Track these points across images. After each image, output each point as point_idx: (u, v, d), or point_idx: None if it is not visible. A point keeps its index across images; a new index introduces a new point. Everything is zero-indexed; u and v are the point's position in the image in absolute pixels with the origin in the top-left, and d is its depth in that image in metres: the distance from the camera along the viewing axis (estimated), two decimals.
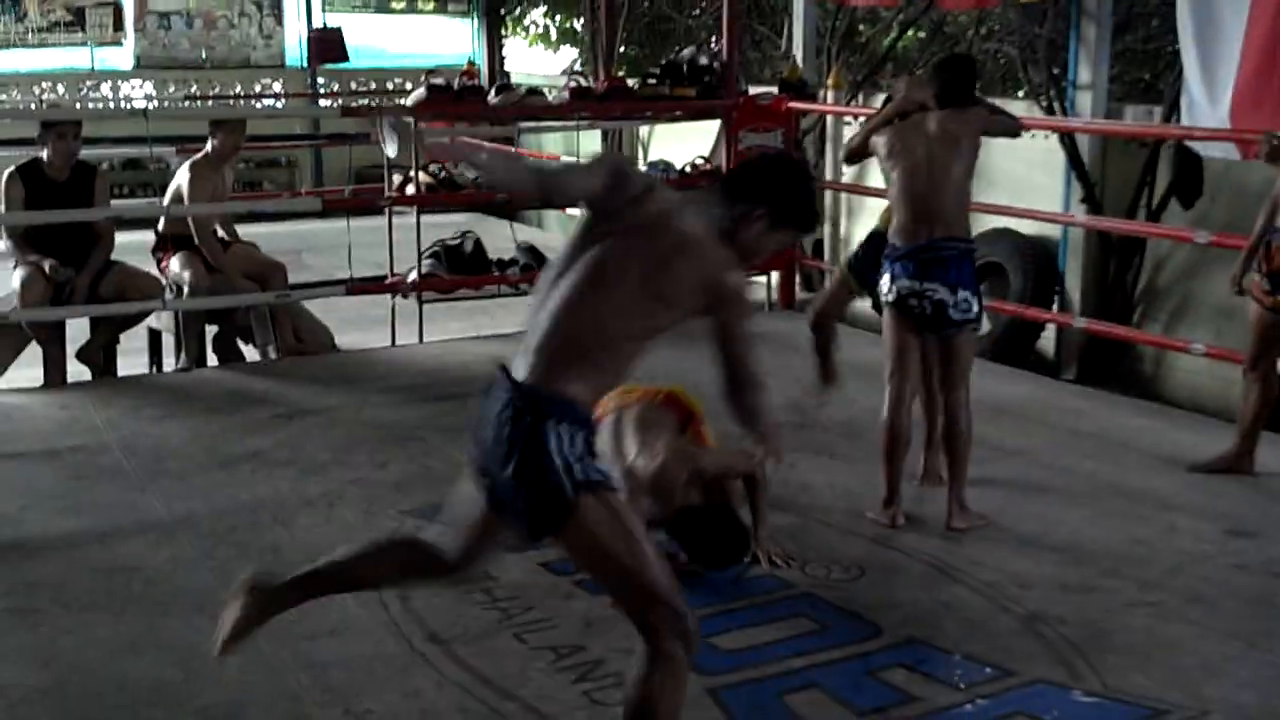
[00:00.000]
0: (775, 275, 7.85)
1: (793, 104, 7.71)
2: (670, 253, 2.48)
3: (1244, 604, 3.62)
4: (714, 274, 2.51)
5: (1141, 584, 3.72)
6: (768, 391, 2.59)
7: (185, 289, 6.20)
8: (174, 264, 6.31)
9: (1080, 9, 7.12)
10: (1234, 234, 5.30)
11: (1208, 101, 6.00)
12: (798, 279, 8.16)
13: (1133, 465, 4.83)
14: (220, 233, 6.53)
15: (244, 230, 6.76)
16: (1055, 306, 7.35)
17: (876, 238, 4.76)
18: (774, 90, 8.04)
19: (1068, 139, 7.21)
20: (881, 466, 4.26)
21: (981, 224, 7.65)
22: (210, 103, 14.38)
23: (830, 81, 8.57)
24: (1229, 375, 6.35)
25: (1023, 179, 7.47)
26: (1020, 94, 8.76)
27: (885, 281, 4.26)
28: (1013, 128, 4.50)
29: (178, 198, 6.30)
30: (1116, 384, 6.78)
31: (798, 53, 8.99)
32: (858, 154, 4.47)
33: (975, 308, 4.20)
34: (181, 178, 6.32)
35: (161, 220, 6.46)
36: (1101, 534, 4.11)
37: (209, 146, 6.38)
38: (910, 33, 10.85)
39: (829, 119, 8.86)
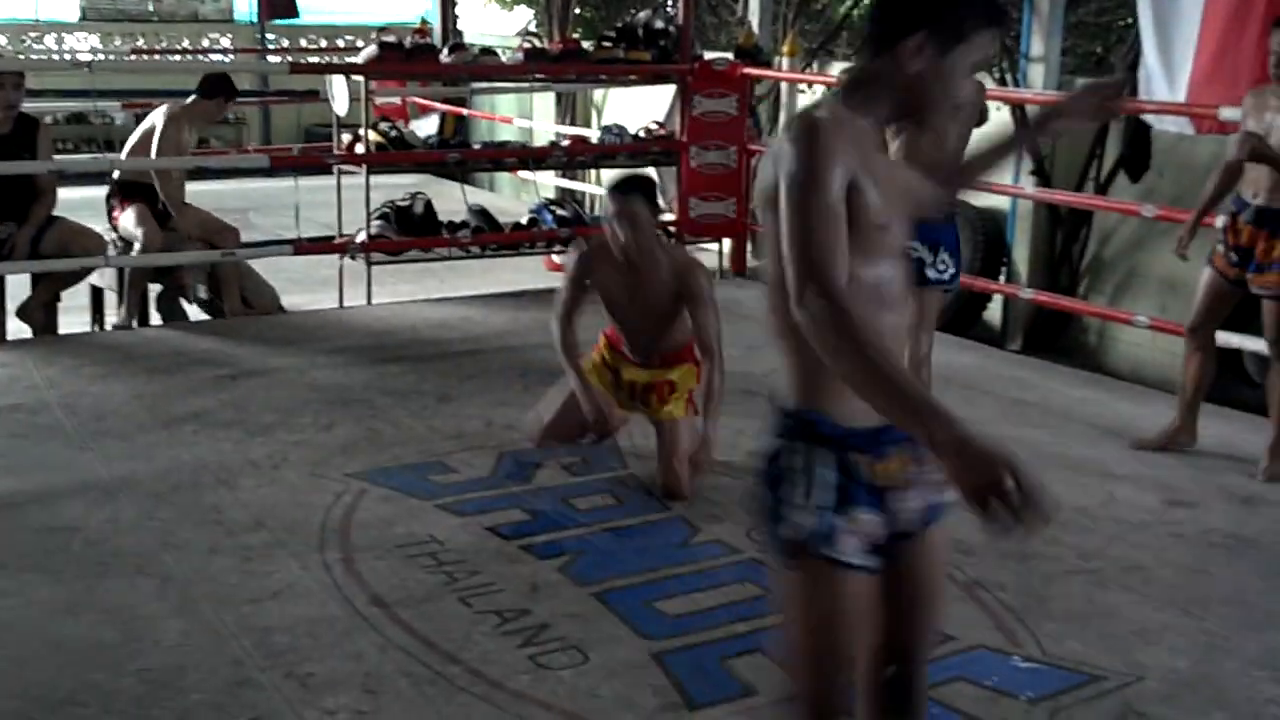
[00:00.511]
0: (727, 242, 7.85)
1: (748, 70, 7.69)
2: None
3: (1179, 572, 3.68)
4: None
5: (1080, 552, 3.78)
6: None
7: (136, 245, 6.10)
8: (126, 218, 6.20)
9: None
10: (1181, 208, 5.36)
11: (1164, 77, 6.05)
12: (749, 246, 8.17)
13: (1074, 435, 4.89)
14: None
15: (191, 188, 6.65)
16: (1002, 277, 7.41)
17: None
18: (729, 56, 8.02)
19: (1019, 111, 7.24)
20: None
21: None
22: (157, 57, 14.13)
23: (785, 49, 8.56)
24: (1171, 348, 6.44)
25: (973, 150, 7.50)
26: None
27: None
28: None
29: (145, 141, 6.19)
30: (1061, 355, 6.86)
31: (753, 19, 8.99)
32: None
33: (952, 269, 4.34)
34: (156, 121, 6.21)
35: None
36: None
37: (191, 100, 6.26)
38: (865, 2, 10.85)
39: (784, 86, 8.84)
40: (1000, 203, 7.41)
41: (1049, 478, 4.42)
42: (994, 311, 7.51)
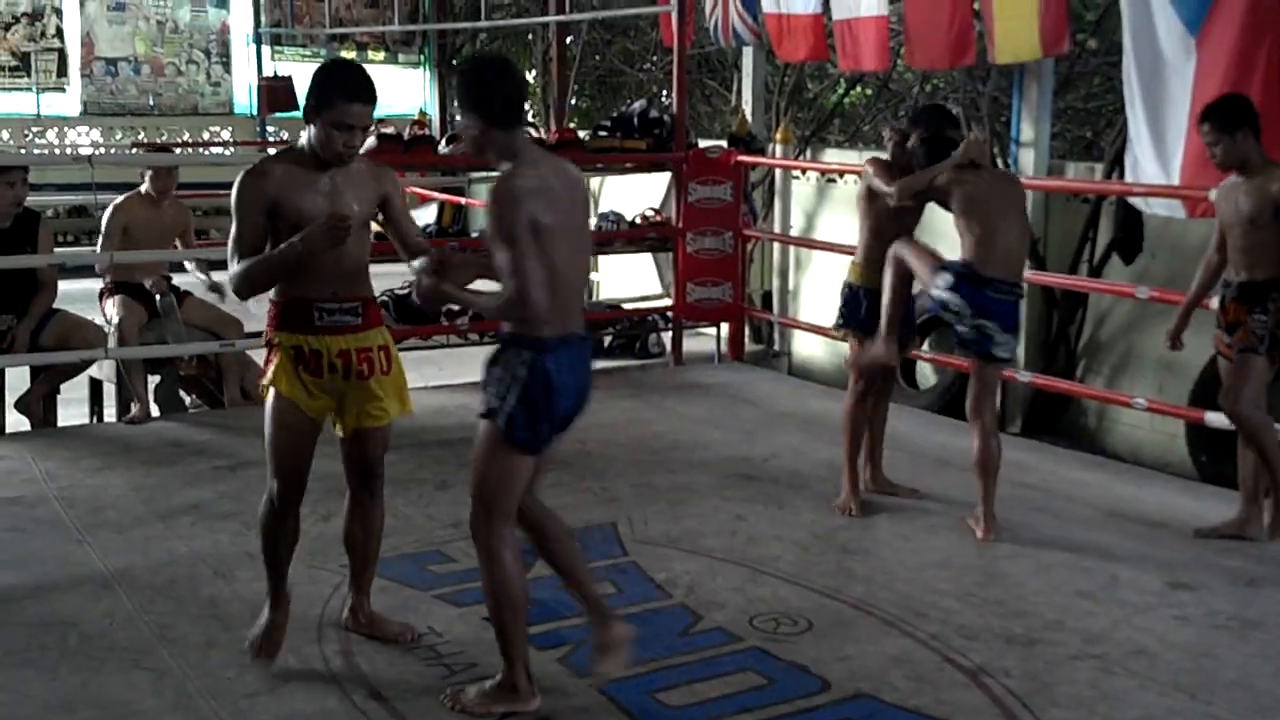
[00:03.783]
0: (725, 327, 7.89)
1: (742, 158, 7.79)
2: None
3: (1185, 656, 3.64)
4: None
5: (1085, 636, 3.74)
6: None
7: (112, 332, 6.11)
8: (110, 307, 6.23)
9: (1023, 68, 7.26)
10: (1174, 290, 5.39)
11: (1157, 161, 6.12)
12: (747, 331, 8.21)
13: (1076, 518, 4.87)
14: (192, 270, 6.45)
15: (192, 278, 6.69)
16: None
17: (869, 293, 4.86)
18: (723, 144, 8.13)
19: None
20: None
21: None
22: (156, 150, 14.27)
23: (779, 136, 8.68)
24: (1170, 429, 6.46)
25: None
26: None
27: (942, 285, 4.50)
28: None
29: (107, 235, 6.24)
30: (1061, 437, 6.86)
31: (747, 107, 9.12)
32: (916, 194, 4.68)
33: (1013, 350, 4.72)
34: (105, 215, 6.28)
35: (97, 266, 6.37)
36: (1045, 586, 4.14)
37: (143, 187, 6.32)
38: (857, 89, 11.03)
39: (778, 173, 8.95)
40: None
41: (1051, 561, 4.43)
42: None
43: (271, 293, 3.39)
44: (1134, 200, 6.53)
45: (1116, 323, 7.13)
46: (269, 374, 3.41)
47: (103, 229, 6.25)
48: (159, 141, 12.89)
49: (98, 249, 6.32)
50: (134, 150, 13.83)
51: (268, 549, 3.48)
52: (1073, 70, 8.98)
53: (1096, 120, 10.19)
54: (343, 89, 3.27)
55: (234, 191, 3.31)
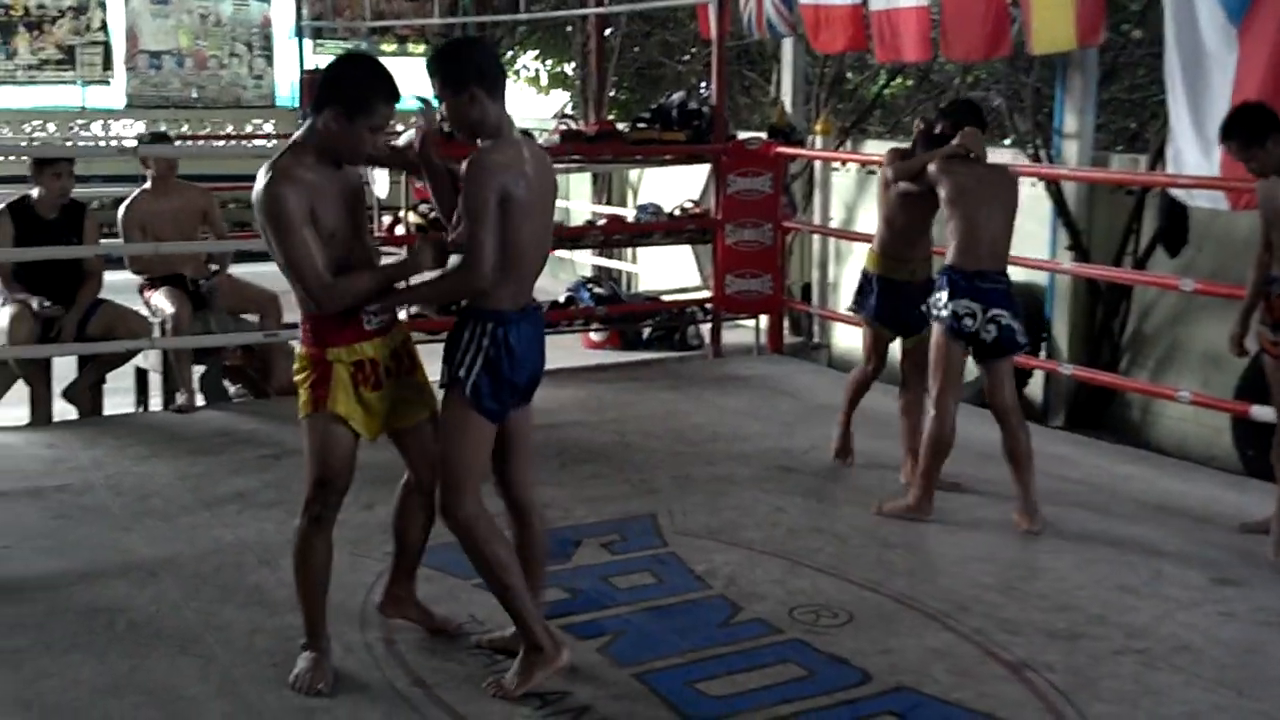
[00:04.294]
0: (764, 319, 7.88)
1: (781, 149, 7.77)
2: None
3: (1231, 652, 3.61)
4: None
5: (1129, 631, 3.72)
6: None
7: (168, 324, 6.16)
8: (158, 298, 6.28)
9: (1067, 58, 7.20)
10: (1219, 282, 5.34)
11: (1200, 153, 6.06)
12: (786, 323, 8.19)
13: (1120, 512, 4.83)
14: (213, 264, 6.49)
15: (236, 270, 6.75)
16: (1043, 353, 7.38)
17: (880, 280, 5.04)
18: (763, 135, 8.11)
19: (1054, 187, 7.27)
20: (931, 473, 4.65)
21: None
22: (200, 142, 14.42)
23: (818, 127, 8.65)
24: (1216, 423, 6.39)
25: None
26: (1007, 142, 8.85)
27: (944, 301, 4.60)
28: None
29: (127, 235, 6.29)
30: (1104, 431, 6.80)
31: (786, 99, 9.10)
32: (911, 177, 4.77)
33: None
34: (119, 218, 6.32)
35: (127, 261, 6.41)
36: (1089, 581, 4.11)
37: (147, 183, 6.35)
38: (898, 80, 10.97)
39: (817, 164, 8.92)
40: (1039, 278, 7.41)
41: (1094, 555, 4.40)
42: (1035, 387, 7.47)
43: (306, 305, 3.21)
44: (1175, 192, 6.47)
45: (1161, 315, 7.06)
46: (330, 395, 3.19)
47: (120, 231, 6.30)
48: (159, 131, 12.99)
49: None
50: (178, 143, 14.01)
51: (310, 579, 3.30)
52: (1117, 61, 8.90)
53: (1141, 111, 10.10)
54: (387, 92, 3.17)
55: (276, 204, 3.07)
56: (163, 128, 14.71)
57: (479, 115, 3.16)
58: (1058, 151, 7.37)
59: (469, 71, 3.16)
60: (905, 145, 4.97)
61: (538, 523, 3.46)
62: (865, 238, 7.44)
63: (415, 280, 3.29)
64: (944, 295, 4.60)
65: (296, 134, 3.28)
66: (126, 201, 6.34)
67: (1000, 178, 4.74)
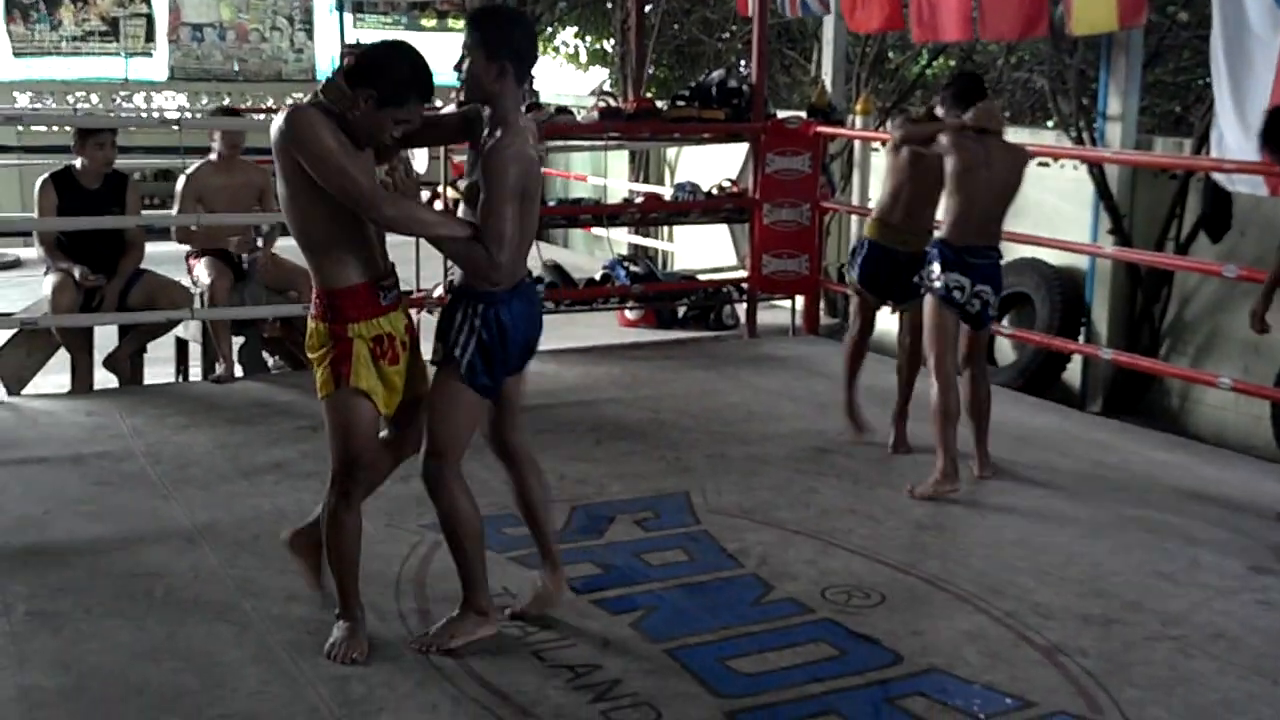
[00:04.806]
0: (800, 300, 7.86)
1: (821, 129, 7.72)
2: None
3: (1268, 640, 3.58)
4: None
5: (1164, 618, 3.70)
6: None
7: (205, 293, 6.21)
8: (199, 269, 6.33)
9: (1111, 40, 7.11)
10: (1262, 269, 5.27)
11: (1242, 136, 5.98)
12: (822, 304, 8.16)
13: (1157, 499, 4.80)
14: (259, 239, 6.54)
15: (278, 243, 6.79)
16: (1082, 338, 7.32)
17: (871, 245, 5.21)
18: (802, 115, 8.06)
19: (1096, 170, 7.20)
20: (947, 439, 4.71)
21: (1009, 254, 7.62)
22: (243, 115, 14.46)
23: (858, 107, 8.58)
24: (1256, 410, 6.33)
25: (1051, 209, 7.45)
26: (1050, 124, 8.75)
27: (937, 273, 4.74)
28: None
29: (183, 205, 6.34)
30: (1142, 417, 6.75)
31: (827, 78, 9.02)
32: (922, 141, 4.88)
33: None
34: (178, 186, 6.37)
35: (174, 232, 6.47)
36: (1124, 567, 4.09)
37: (213, 154, 6.40)
38: (939, 60, 10.88)
39: (856, 144, 8.85)
40: (1079, 262, 7.35)
41: (1130, 541, 4.37)
42: (1073, 372, 7.41)
43: (327, 280, 3.19)
44: (1218, 177, 6.39)
45: (1203, 302, 6.99)
46: (353, 370, 3.17)
47: (177, 199, 6.35)
48: (225, 105, 13.07)
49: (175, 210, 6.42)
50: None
51: (342, 553, 3.32)
52: (1162, 43, 8.78)
53: (1186, 94, 9.97)
54: (421, 90, 3.17)
55: (310, 129, 3.03)
56: (204, 100, 14.82)
57: (499, 90, 3.16)
58: (1101, 134, 7.28)
59: (510, 44, 3.16)
60: (919, 110, 5.10)
61: (532, 468, 3.57)
62: None
63: (446, 233, 3.23)
64: (936, 268, 4.75)
65: (321, 97, 3.15)
66: (188, 171, 6.39)
67: (1010, 157, 4.81)
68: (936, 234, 4.90)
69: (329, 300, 3.21)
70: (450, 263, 3.38)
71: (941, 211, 4.88)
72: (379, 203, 3.10)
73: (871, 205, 8.73)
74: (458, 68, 3.20)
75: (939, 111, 4.93)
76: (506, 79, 3.15)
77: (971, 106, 4.78)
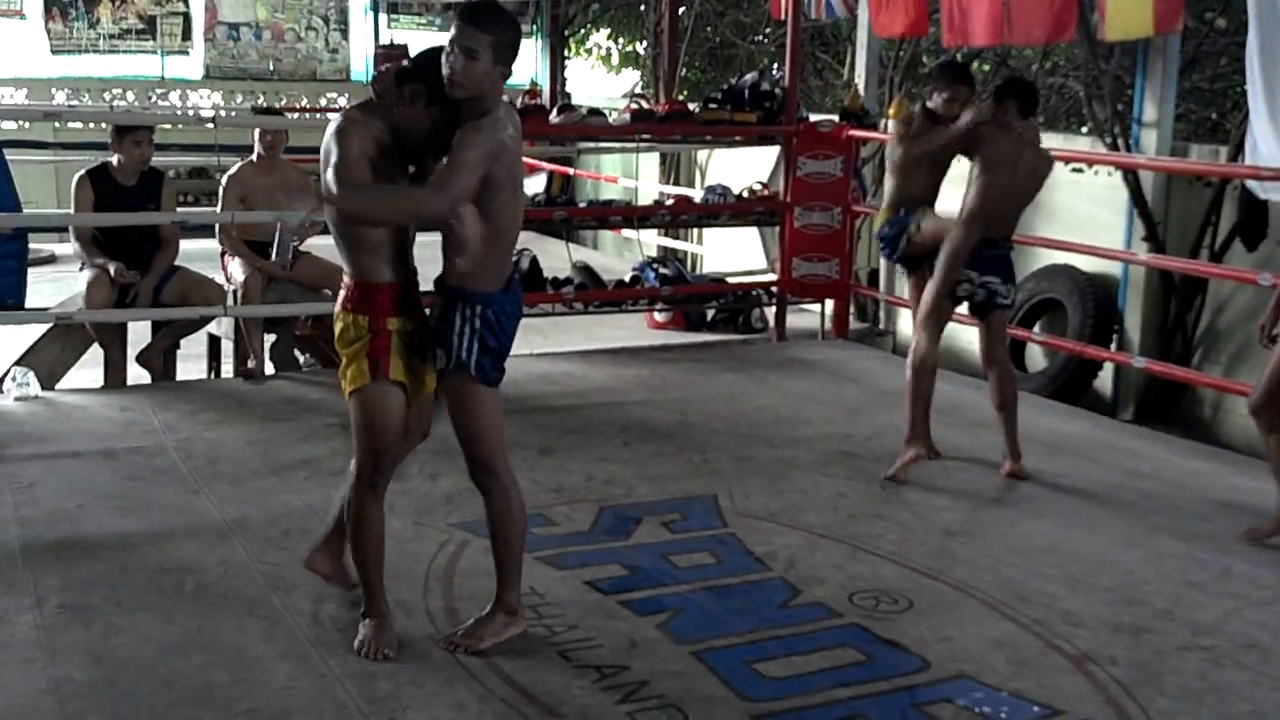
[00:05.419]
0: (830, 304, 7.84)
1: (853, 132, 7.70)
2: None
3: None
4: None
5: (1195, 628, 3.67)
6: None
7: (238, 291, 6.26)
8: (234, 266, 6.37)
9: (1147, 46, 7.07)
10: None
11: (1276, 144, 5.93)
12: (852, 308, 8.14)
13: (1188, 508, 4.76)
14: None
15: (312, 241, 6.82)
16: (1114, 345, 7.28)
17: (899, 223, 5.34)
18: (834, 118, 8.05)
19: (1131, 176, 7.15)
20: (914, 415, 4.94)
21: (1041, 259, 7.60)
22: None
23: (891, 111, 8.54)
24: None
25: (1084, 215, 7.41)
26: (1084, 129, 8.70)
27: None
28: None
29: (225, 205, 6.39)
30: (1174, 426, 6.70)
31: (859, 81, 9.00)
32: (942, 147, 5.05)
33: (1013, 296, 5.13)
34: (221, 186, 6.42)
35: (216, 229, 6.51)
36: (1155, 575, 4.06)
37: (254, 155, 6.45)
38: (974, 65, 10.82)
39: (889, 148, 8.83)
40: (1112, 269, 7.30)
41: (1161, 550, 4.33)
42: (1105, 380, 7.37)
43: (367, 274, 3.26)
44: (1252, 185, 6.33)
45: (1237, 310, 6.93)
46: (392, 361, 3.24)
47: (220, 199, 6.40)
48: (262, 104, 13.14)
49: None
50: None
51: (368, 547, 3.34)
52: (1199, 49, 8.72)
53: (1223, 101, 9.90)
54: None
55: (345, 137, 3.19)
56: (239, 99, 14.91)
57: (489, 89, 3.20)
58: (1136, 140, 7.24)
59: (513, 51, 3.21)
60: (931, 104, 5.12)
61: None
62: None
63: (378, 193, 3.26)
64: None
65: (373, 91, 3.36)
66: (230, 172, 6.43)
67: (1038, 160, 4.92)
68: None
69: (365, 293, 3.27)
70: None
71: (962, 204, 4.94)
72: (341, 188, 3.15)
73: None
74: (446, 56, 3.17)
75: (931, 103, 5.06)
76: (498, 82, 3.21)
77: (955, 87, 5.00)
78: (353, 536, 3.38)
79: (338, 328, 3.34)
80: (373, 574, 3.38)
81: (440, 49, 3.23)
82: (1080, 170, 7.49)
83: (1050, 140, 8.43)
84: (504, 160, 3.20)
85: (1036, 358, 7.71)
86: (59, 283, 8.03)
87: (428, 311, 3.39)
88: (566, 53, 14.73)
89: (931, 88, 5.15)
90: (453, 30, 3.17)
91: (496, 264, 3.28)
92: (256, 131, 6.47)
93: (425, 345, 3.33)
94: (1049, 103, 10.72)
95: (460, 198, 3.15)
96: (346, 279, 3.32)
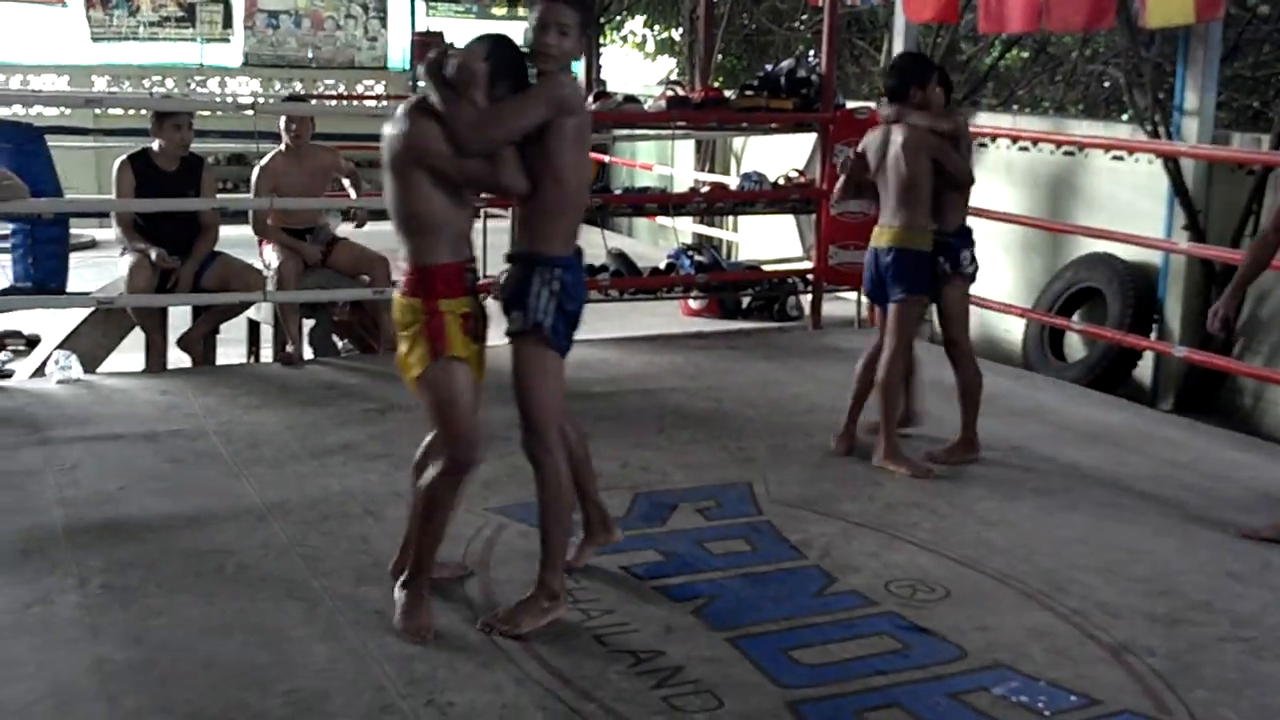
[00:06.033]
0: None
1: None
2: None
3: None
4: None
5: (1234, 619, 3.64)
6: None
7: (272, 277, 6.30)
8: (269, 252, 6.42)
9: (1189, 33, 6.99)
10: None
11: None
12: None
13: (1227, 499, 4.72)
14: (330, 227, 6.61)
15: (347, 228, 6.87)
16: (1154, 334, 7.22)
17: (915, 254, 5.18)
18: (872, 105, 8.01)
19: (1172, 164, 7.08)
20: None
21: (1081, 248, 7.55)
22: (314, 102, 14.63)
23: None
24: None
25: (1125, 203, 7.35)
26: (1125, 117, 8.62)
27: (969, 259, 5.03)
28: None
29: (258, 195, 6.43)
30: (1214, 416, 6.64)
31: None
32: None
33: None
34: (253, 177, 6.47)
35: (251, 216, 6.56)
36: (1193, 566, 4.03)
37: (282, 145, 6.48)
38: (1013, 52, 10.75)
39: None
40: (1152, 257, 7.24)
41: (1199, 541, 4.30)
42: (1144, 369, 7.31)
43: (422, 258, 3.30)
44: None
45: (1278, 300, 6.85)
46: (449, 340, 3.28)
47: (252, 190, 6.44)
48: (293, 91, 13.20)
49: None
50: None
51: (441, 525, 3.37)
52: (1241, 37, 8.62)
53: (1265, 89, 9.77)
54: (515, 78, 3.34)
55: (419, 124, 3.26)
56: (277, 87, 15.00)
57: (573, 59, 3.40)
58: (1177, 128, 7.16)
59: (590, 29, 3.47)
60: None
61: (570, 429, 3.67)
62: (973, 211, 7.33)
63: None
64: (968, 254, 5.02)
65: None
66: (262, 162, 6.48)
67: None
68: (957, 223, 5.03)
69: (421, 276, 3.32)
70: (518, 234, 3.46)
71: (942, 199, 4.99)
72: (474, 127, 3.24)
73: None
74: (539, 33, 3.32)
75: (918, 96, 4.99)
76: (579, 50, 3.41)
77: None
78: (425, 514, 3.40)
79: (395, 315, 3.40)
80: (432, 552, 3.43)
81: (491, 36, 3.38)
82: (1120, 158, 7.43)
83: (1091, 128, 8.37)
84: (569, 109, 3.29)
85: (1076, 346, 7.65)
86: (100, 268, 8.13)
87: (491, 293, 3.47)
88: (602, 40, 14.71)
89: (931, 84, 5.03)
90: (540, 10, 3.33)
91: (567, 230, 3.39)
92: (282, 121, 6.50)
93: (481, 326, 3.40)
94: (1089, 90, 10.63)
95: (499, 139, 3.24)
96: (405, 264, 3.37)
